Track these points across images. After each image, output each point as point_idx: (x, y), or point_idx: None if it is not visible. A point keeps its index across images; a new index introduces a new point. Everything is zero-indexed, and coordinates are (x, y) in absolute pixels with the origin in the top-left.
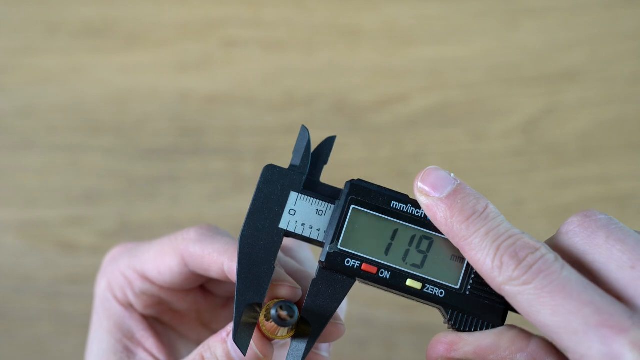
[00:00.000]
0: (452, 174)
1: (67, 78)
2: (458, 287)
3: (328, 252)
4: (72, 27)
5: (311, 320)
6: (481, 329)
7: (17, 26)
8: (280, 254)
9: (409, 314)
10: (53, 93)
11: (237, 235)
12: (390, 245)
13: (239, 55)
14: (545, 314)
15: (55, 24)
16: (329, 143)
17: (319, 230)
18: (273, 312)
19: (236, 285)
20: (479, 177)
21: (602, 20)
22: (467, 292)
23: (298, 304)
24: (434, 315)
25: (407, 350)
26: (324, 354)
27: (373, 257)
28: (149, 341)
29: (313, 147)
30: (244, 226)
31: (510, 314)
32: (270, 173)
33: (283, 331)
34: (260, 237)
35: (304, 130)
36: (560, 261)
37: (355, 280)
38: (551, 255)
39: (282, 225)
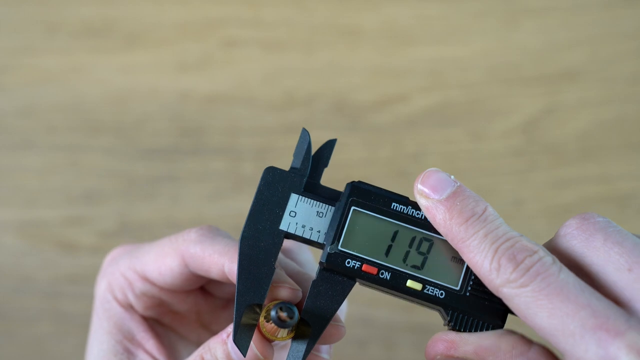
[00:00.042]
0: (452, 176)
1: (67, 78)
2: (458, 288)
3: (328, 253)
4: (72, 27)
5: (311, 321)
6: (481, 330)
7: (17, 26)
8: (280, 255)
9: (409, 314)
10: (53, 93)
11: (238, 235)
12: (390, 246)
13: (239, 55)
14: (542, 316)
15: (55, 24)
16: (329, 146)
17: (319, 232)
18: (273, 313)
19: (236, 286)
20: (479, 177)
21: (602, 20)
22: (467, 294)
23: (298, 305)
24: (434, 315)
25: (407, 350)
26: (325, 355)
27: (373, 258)
28: (150, 342)
29: (313, 149)
30: (245, 227)
31: (510, 317)
32: (271, 175)
33: (283, 332)
34: (260, 239)
35: (305, 132)
36: (558, 264)
37: (355, 282)
38: (549, 258)
39: (283, 226)
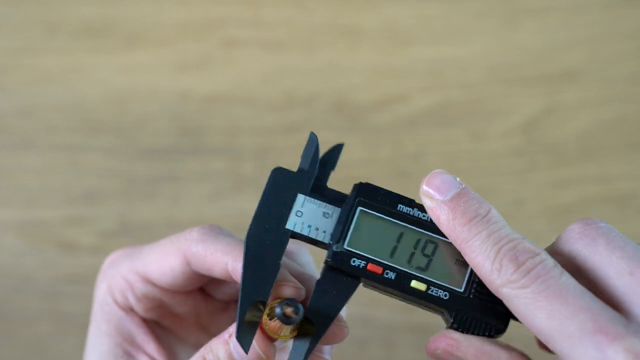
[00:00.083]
0: (458, 178)
1: (67, 78)
2: (462, 290)
3: (334, 251)
4: (72, 27)
5: (315, 320)
6: (484, 332)
7: (17, 26)
8: (283, 257)
9: (409, 314)
10: (53, 93)
11: (239, 235)
12: (395, 247)
13: (239, 55)
14: (541, 318)
15: (55, 24)
16: (336, 150)
17: (324, 232)
18: (278, 309)
19: (241, 282)
20: (479, 177)
21: (602, 20)
22: (471, 296)
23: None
24: (434, 315)
25: (407, 350)
26: (327, 356)
27: (378, 258)
28: (150, 345)
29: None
30: (251, 225)
31: (512, 323)
32: (279, 175)
33: (286, 330)
34: (266, 237)
35: (313, 136)
36: (559, 268)
37: (359, 282)
38: (550, 261)
39: (289, 226)
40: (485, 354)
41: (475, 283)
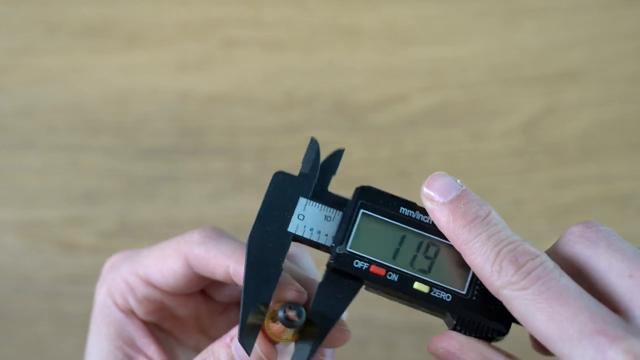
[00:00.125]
0: (459, 180)
1: (67, 78)
2: (464, 292)
3: (337, 253)
4: (72, 27)
5: (317, 322)
6: (487, 334)
7: (17, 26)
8: (285, 260)
9: (409, 314)
10: (53, 93)
11: (239, 235)
12: (398, 250)
13: (239, 55)
14: (541, 319)
15: (55, 24)
16: (337, 155)
17: (327, 235)
18: (281, 313)
19: (243, 285)
20: (479, 177)
21: (602, 20)
22: (474, 298)
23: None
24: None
25: (407, 350)
26: (328, 359)
27: (381, 260)
28: (150, 348)
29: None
30: (253, 227)
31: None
32: (281, 179)
33: (288, 334)
34: (269, 239)
35: (314, 141)
36: (559, 270)
37: (362, 285)
38: (550, 263)
39: (291, 229)
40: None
41: (478, 285)
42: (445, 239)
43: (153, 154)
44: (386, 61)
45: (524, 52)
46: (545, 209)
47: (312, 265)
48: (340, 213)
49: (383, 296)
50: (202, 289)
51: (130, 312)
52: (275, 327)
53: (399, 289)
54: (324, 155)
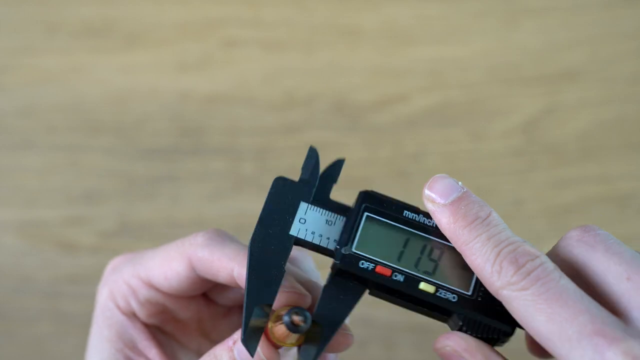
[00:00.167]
0: (460, 182)
1: (67, 78)
2: (470, 293)
3: (343, 254)
4: (72, 27)
5: (323, 324)
6: (492, 335)
7: (17, 26)
8: (287, 264)
9: (409, 314)
10: (53, 93)
11: (240, 235)
12: (402, 252)
13: (239, 55)
14: (540, 320)
15: (55, 24)
16: (338, 164)
17: (328, 239)
18: (286, 318)
19: (245, 286)
20: (479, 177)
21: (602, 20)
22: (479, 299)
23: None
24: None
25: (407, 350)
26: None
27: (387, 261)
28: (152, 351)
29: (319, 162)
30: (255, 231)
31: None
32: (281, 184)
33: (292, 338)
34: (270, 242)
35: (313, 150)
36: (559, 271)
37: (366, 288)
38: (550, 264)
39: (293, 232)
40: None
41: (483, 286)
42: (449, 241)
43: (153, 154)
44: (386, 61)
45: (524, 52)
46: (545, 209)
47: (315, 268)
48: (342, 218)
49: (386, 300)
50: (205, 292)
51: (132, 315)
52: (279, 332)
53: (405, 289)
54: (324, 159)
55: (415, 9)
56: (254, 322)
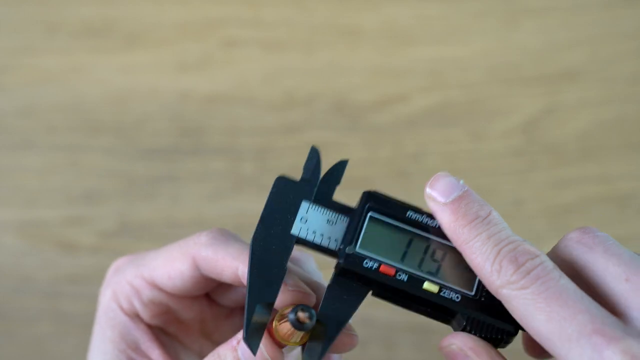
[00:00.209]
0: (461, 181)
1: (67, 78)
2: (473, 293)
3: (347, 253)
4: (72, 27)
5: (327, 323)
6: (496, 335)
7: (17, 26)
8: (290, 264)
9: (409, 314)
10: (53, 93)
11: (240, 235)
12: (405, 253)
13: (239, 55)
14: (539, 319)
15: (55, 24)
16: (341, 165)
17: (329, 238)
18: (291, 315)
19: (247, 284)
20: (479, 177)
21: (602, 20)
22: (482, 299)
23: None
24: None
25: (407, 350)
26: None
27: (390, 261)
28: (155, 352)
29: (320, 165)
30: (257, 229)
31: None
32: (283, 183)
33: (297, 337)
34: (272, 241)
35: (314, 149)
36: (559, 270)
37: (369, 289)
38: (550, 263)
39: (294, 231)
40: None
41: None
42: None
43: (153, 154)
44: (386, 61)
45: (524, 52)
46: (545, 209)
47: (317, 269)
48: (344, 218)
49: (390, 301)
50: (207, 292)
51: (135, 316)
52: (284, 330)
53: (409, 288)
54: (324, 159)
55: (415, 9)
56: (256, 320)
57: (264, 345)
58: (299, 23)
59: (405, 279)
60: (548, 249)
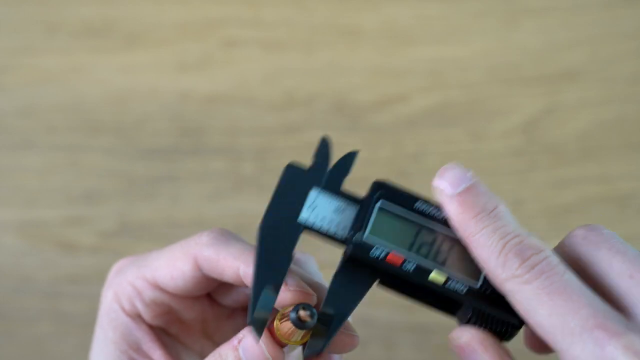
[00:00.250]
0: (470, 172)
1: (67, 78)
2: (479, 286)
3: (355, 242)
4: (72, 27)
5: (331, 313)
6: (501, 328)
7: (17, 26)
8: (291, 265)
9: (409, 314)
10: (53, 93)
11: (240, 235)
12: (413, 243)
13: (239, 55)
14: (542, 313)
15: (55, 24)
16: (351, 156)
17: (338, 226)
18: (293, 314)
19: (254, 267)
20: (479, 177)
21: (602, 20)
22: (488, 292)
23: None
24: (434, 315)
25: (407, 350)
26: None
27: (398, 251)
28: (157, 353)
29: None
30: (265, 216)
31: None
32: (292, 171)
33: (298, 335)
34: (279, 228)
35: (324, 139)
36: (563, 265)
37: (376, 278)
38: (555, 258)
39: (302, 218)
40: None
41: None
42: None
43: (153, 154)
44: (386, 61)
45: (524, 52)
46: (545, 209)
47: (318, 270)
48: (353, 207)
49: (395, 291)
50: (209, 293)
51: (137, 317)
52: (285, 329)
53: (415, 279)
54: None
55: (415, 9)
56: (259, 314)
57: (265, 344)
58: (299, 23)
59: (412, 269)
60: (548, 248)
